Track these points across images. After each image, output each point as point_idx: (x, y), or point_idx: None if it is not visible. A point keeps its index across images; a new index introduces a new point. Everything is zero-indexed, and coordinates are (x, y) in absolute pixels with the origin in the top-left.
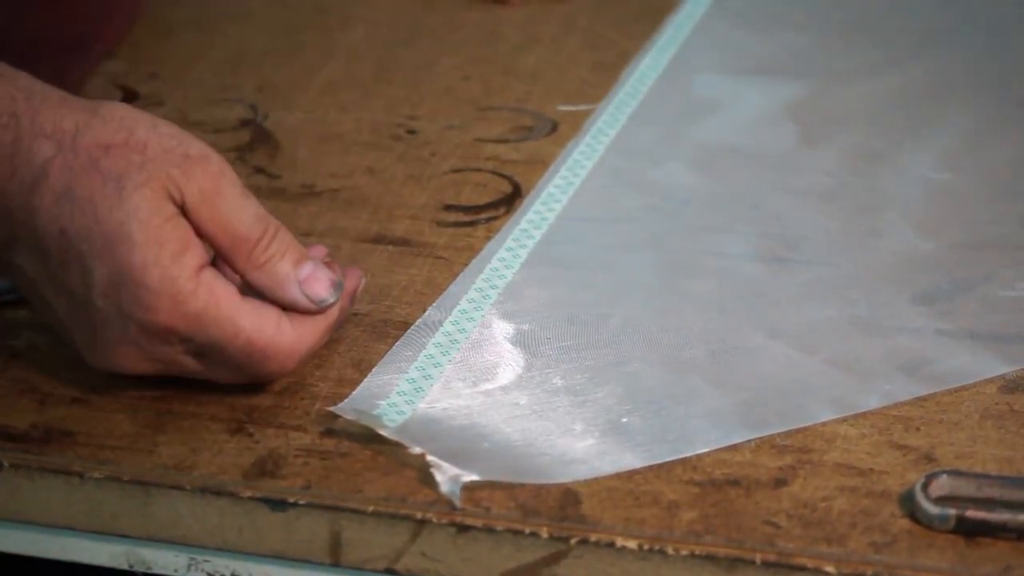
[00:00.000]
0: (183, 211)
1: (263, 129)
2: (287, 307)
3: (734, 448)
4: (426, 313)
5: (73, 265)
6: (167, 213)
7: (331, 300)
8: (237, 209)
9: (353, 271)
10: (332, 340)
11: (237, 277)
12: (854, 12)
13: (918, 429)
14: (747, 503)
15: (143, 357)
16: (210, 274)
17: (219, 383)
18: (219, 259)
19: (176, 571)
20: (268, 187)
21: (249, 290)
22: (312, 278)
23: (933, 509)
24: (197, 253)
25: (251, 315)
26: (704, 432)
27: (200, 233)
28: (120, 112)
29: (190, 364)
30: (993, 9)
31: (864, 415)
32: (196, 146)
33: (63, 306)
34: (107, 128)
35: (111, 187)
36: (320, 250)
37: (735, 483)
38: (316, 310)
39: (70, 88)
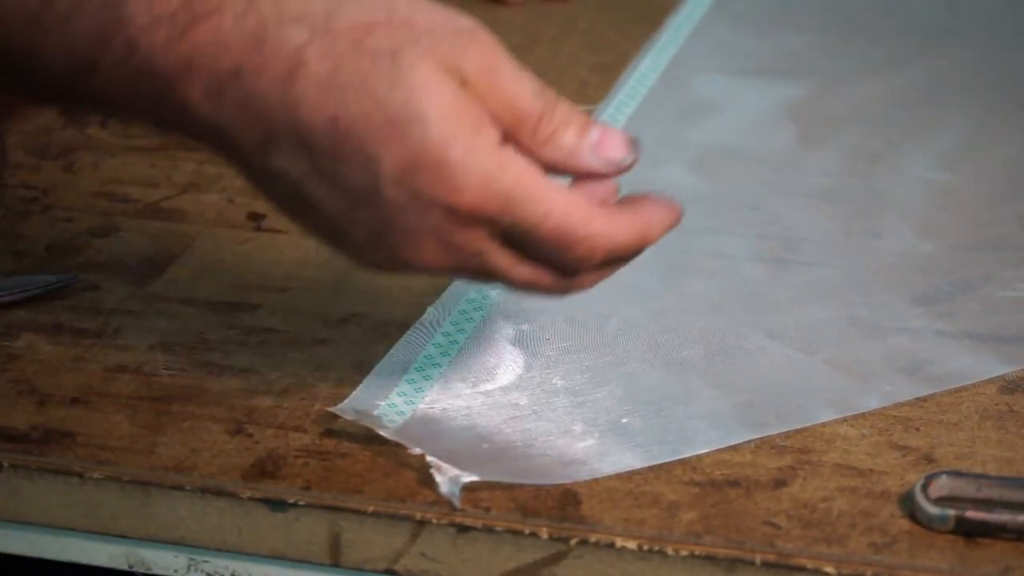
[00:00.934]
0: (463, 85)
1: None
2: (585, 176)
3: (734, 449)
4: (426, 313)
5: (352, 157)
6: (455, 86)
7: (629, 160)
8: (516, 83)
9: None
10: (331, 340)
11: None
12: (854, 13)
13: (918, 430)
14: (747, 504)
15: (442, 249)
16: (511, 151)
17: (518, 289)
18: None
19: (176, 572)
20: None
21: None
22: (604, 141)
23: (933, 510)
24: (495, 128)
25: (561, 194)
26: (704, 433)
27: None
28: None
29: (495, 254)
30: (993, 10)
31: (864, 416)
32: (464, 21)
33: (339, 205)
34: (362, 7)
35: (385, 65)
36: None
37: (735, 484)
38: (615, 173)
39: None
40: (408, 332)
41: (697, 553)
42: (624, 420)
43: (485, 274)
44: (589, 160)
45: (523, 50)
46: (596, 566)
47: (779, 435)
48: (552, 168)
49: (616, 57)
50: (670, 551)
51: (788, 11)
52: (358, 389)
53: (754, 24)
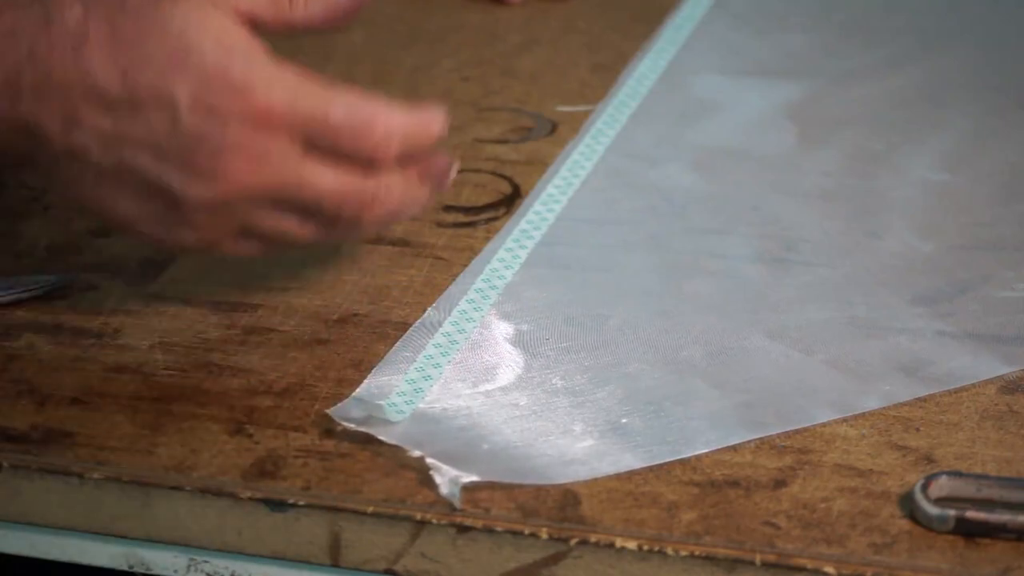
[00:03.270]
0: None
1: None
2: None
3: (734, 449)
4: (425, 314)
5: (148, 101)
6: (220, 12)
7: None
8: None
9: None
10: (331, 340)
11: None
12: (854, 14)
13: (918, 430)
14: (747, 504)
15: (251, 161)
16: (283, 62)
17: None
18: None
19: (176, 572)
20: None
21: None
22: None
23: (933, 510)
24: (265, 47)
25: (339, 88)
26: (703, 433)
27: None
28: None
29: (298, 162)
30: (993, 10)
31: (864, 416)
32: None
33: (148, 153)
34: None
35: (150, 14)
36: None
37: (735, 484)
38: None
39: None
40: (408, 332)
41: (697, 553)
42: (624, 420)
43: (296, 188)
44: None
45: (523, 50)
46: (596, 566)
47: (779, 435)
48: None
49: (616, 57)
50: (670, 551)
51: (788, 11)
52: (358, 389)
53: (754, 24)
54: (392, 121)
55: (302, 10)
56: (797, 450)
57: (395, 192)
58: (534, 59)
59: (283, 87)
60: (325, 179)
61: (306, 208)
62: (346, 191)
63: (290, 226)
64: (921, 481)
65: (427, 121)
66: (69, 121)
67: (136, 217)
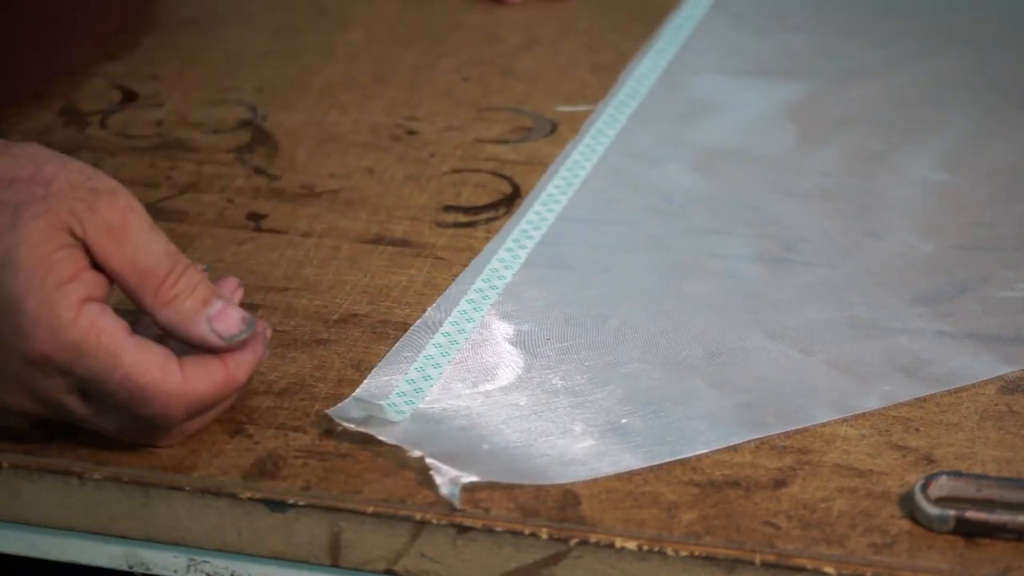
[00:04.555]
0: (86, 246)
1: (262, 130)
2: (197, 345)
3: (734, 449)
4: (425, 314)
5: None
6: (60, 242)
7: (242, 336)
8: (144, 243)
9: (260, 321)
10: (331, 340)
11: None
12: (854, 13)
13: (918, 430)
14: (747, 504)
15: (26, 393)
16: (96, 307)
17: (113, 437)
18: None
19: (175, 572)
20: (267, 188)
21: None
22: (222, 315)
23: (933, 510)
24: (86, 285)
25: (134, 351)
26: (703, 433)
27: (106, 269)
28: (32, 150)
29: (74, 404)
30: (992, 10)
31: (864, 416)
32: (105, 181)
33: None
34: (15, 164)
35: (7, 216)
36: (231, 284)
37: (735, 484)
38: (226, 347)
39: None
40: (408, 332)
41: (697, 553)
42: (624, 420)
43: (75, 421)
44: (203, 330)
45: (523, 50)
46: (596, 566)
47: (779, 435)
48: (169, 331)
49: (616, 57)
50: (670, 551)
51: (788, 11)
52: (358, 389)
53: (754, 24)
54: (176, 396)
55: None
56: (797, 450)
57: (181, 435)
58: (534, 59)
59: (66, 342)
60: (101, 422)
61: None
62: (128, 434)
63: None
64: (921, 481)
65: (231, 379)
66: None
67: None
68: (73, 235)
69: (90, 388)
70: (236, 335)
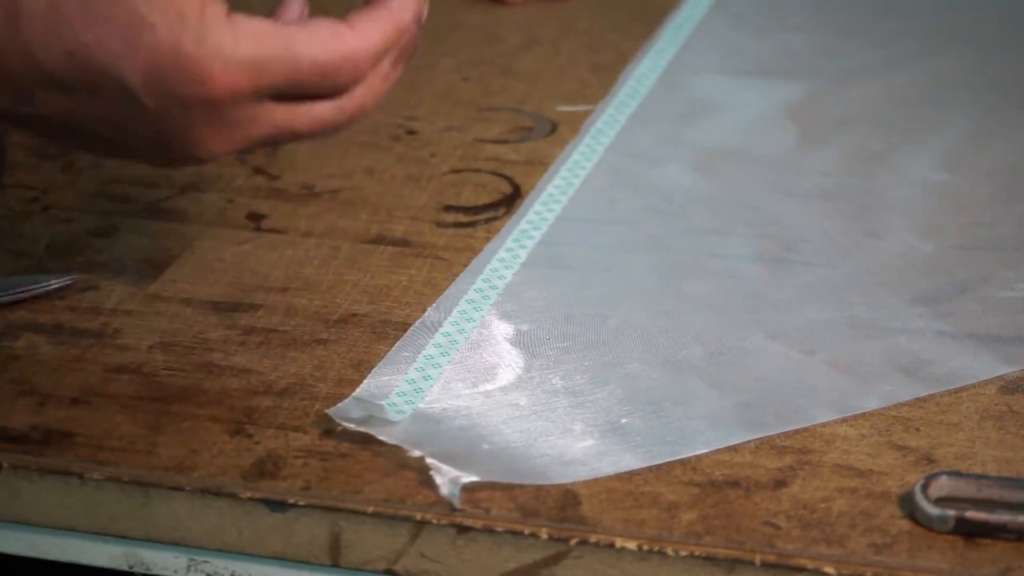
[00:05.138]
0: None
1: None
2: None
3: (734, 449)
4: (425, 314)
5: (103, 84)
6: None
7: None
8: None
9: None
10: (331, 340)
11: None
12: (854, 14)
13: (918, 430)
14: (747, 504)
15: (221, 133)
16: (241, 17)
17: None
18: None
19: (175, 572)
20: (267, 187)
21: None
22: None
23: (933, 510)
24: (219, 3)
25: (303, 34)
26: (703, 433)
27: None
28: None
29: (269, 117)
30: (992, 10)
31: (864, 416)
32: None
33: (112, 129)
34: None
35: None
36: None
37: (735, 484)
38: None
39: None
40: (408, 332)
41: (697, 553)
42: (624, 420)
43: (274, 137)
44: None
45: (523, 50)
46: (596, 566)
47: (779, 435)
48: None
49: (616, 57)
50: (670, 551)
51: (788, 11)
52: (358, 389)
53: (754, 24)
54: (360, 56)
55: None
56: (797, 450)
57: (375, 92)
58: (534, 59)
59: (243, 63)
60: (300, 122)
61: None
62: (327, 123)
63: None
64: (921, 481)
65: (399, 22)
66: (20, 96)
67: (109, 155)
68: None
69: (281, 91)
70: None
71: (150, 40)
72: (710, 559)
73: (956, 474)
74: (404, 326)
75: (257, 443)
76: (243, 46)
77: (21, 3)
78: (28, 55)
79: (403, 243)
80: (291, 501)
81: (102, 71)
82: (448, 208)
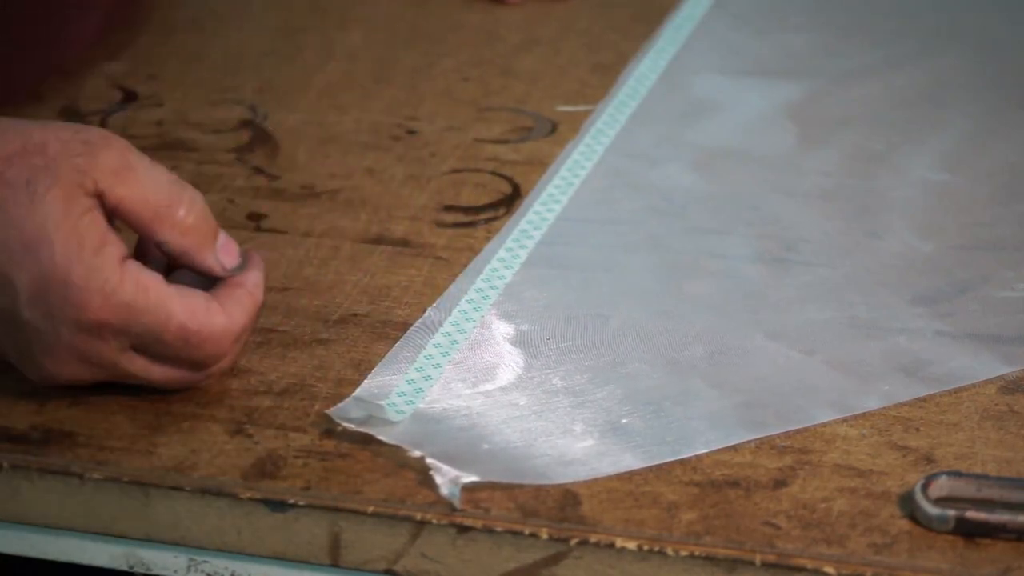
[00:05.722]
0: (99, 196)
1: (263, 130)
2: (199, 271)
3: (734, 449)
4: (425, 314)
5: None
6: (82, 208)
7: (239, 268)
8: (151, 178)
9: (246, 249)
10: (331, 340)
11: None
12: (854, 13)
13: (918, 430)
14: (747, 504)
15: (80, 361)
16: (134, 264)
17: (160, 387)
18: (142, 240)
19: (175, 572)
20: (268, 188)
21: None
22: (225, 247)
23: (933, 510)
24: (117, 246)
25: (180, 299)
26: (703, 433)
27: (120, 212)
28: (6, 123)
29: (128, 362)
30: (992, 10)
31: (864, 416)
32: (92, 131)
33: None
34: (1, 140)
35: (22, 194)
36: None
37: (735, 484)
38: (224, 275)
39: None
40: (408, 332)
41: (697, 553)
42: (624, 420)
43: (127, 378)
44: (211, 261)
45: (523, 50)
46: (596, 566)
47: (779, 435)
48: (180, 258)
49: (616, 57)
50: (670, 551)
51: (788, 11)
52: (358, 389)
53: (754, 24)
54: (225, 334)
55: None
56: (797, 450)
57: (228, 363)
58: (534, 59)
59: (119, 303)
60: (155, 374)
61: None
62: (180, 381)
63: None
64: (921, 481)
65: (255, 302)
66: None
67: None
68: (86, 193)
69: (146, 343)
70: (236, 267)
71: (46, 257)
72: (710, 559)
73: (956, 474)
74: (404, 326)
75: (257, 443)
76: (125, 291)
77: None
78: None
79: (403, 243)
80: (291, 501)
81: (1, 269)
82: (448, 208)
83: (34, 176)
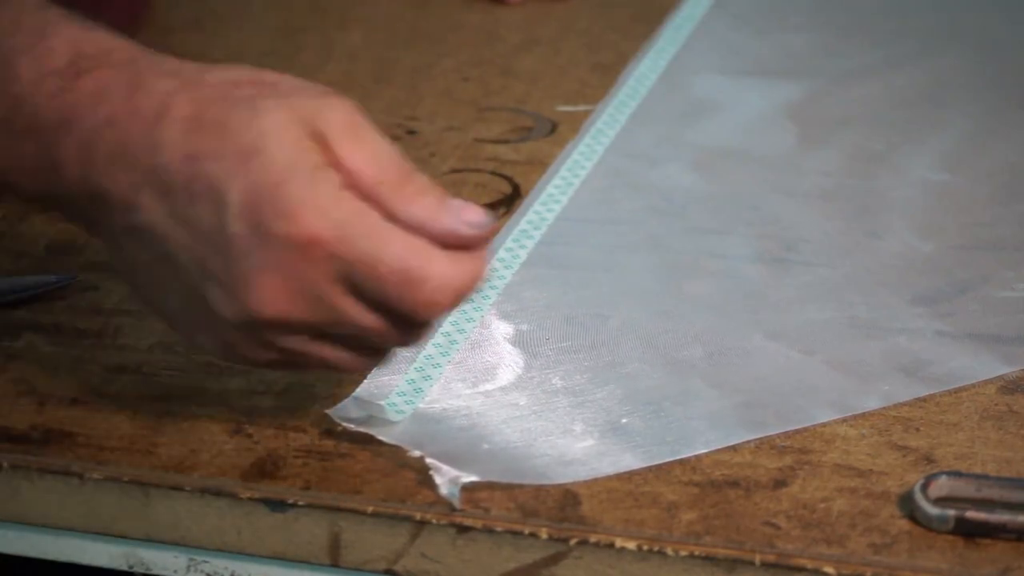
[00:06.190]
0: (326, 141)
1: None
2: (441, 238)
3: (733, 449)
4: None
5: (203, 194)
6: (305, 132)
7: (488, 225)
8: (382, 141)
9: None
10: None
11: None
12: (854, 13)
13: (917, 430)
14: (746, 504)
15: (286, 287)
16: (351, 194)
17: (327, 364)
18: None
19: (175, 572)
20: None
21: None
22: (465, 207)
23: (932, 510)
24: (338, 174)
25: (401, 235)
26: (703, 433)
27: (346, 166)
28: (239, 68)
29: (339, 298)
30: (992, 10)
31: (863, 416)
32: (325, 88)
33: (193, 253)
34: (233, 70)
35: (244, 109)
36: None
37: (734, 484)
38: (475, 237)
39: None
40: None
41: (697, 553)
42: (624, 420)
43: (331, 321)
44: (454, 221)
45: (523, 50)
46: (596, 566)
47: (779, 435)
48: (417, 227)
49: (616, 57)
50: (670, 551)
51: (788, 11)
52: (357, 389)
53: (754, 24)
54: (445, 280)
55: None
56: (797, 450)
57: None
58: (534, 59)
59: (336, 220)
60: (362, 318)
61: (345, 340)
62: (384, 338)
63: (329, 355)
64: (921, 481)
65: (479, 271)
66: (132, 198)
67: (176, 320)
68: (313, 131)
69: (359, 278)
70: (484, 223)
71: (261, 166)
72: (710, 559)
73: (956, 474)
74: None
75: (257, 443)
76: (342, 209)
77: (173, 104)
78: (155, 151)
79: None
80: (291, 501)
81: (208, 182)
82: None
83: (260, 96)
